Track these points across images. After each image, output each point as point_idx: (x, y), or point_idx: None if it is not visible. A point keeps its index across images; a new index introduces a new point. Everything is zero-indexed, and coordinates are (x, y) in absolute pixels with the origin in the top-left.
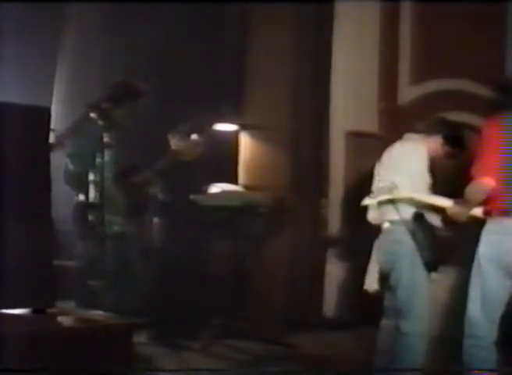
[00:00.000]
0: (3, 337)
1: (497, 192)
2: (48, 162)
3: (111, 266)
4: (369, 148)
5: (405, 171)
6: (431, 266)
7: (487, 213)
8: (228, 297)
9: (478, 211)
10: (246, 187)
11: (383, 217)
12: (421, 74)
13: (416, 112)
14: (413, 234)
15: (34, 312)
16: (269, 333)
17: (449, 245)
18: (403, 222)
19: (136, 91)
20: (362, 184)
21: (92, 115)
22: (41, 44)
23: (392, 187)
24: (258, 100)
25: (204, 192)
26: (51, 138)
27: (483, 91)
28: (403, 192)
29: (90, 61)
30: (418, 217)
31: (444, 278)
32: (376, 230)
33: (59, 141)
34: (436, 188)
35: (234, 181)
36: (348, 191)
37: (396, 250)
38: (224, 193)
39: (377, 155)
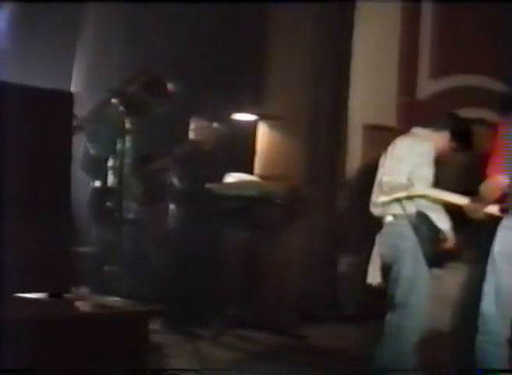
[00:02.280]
0: (21, 320)
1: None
2: (70, 146)
3: (127, 253)
4: (386, 141)
5: (407, 164)
6: (432, 262)
7: (502, 210)
8: (241, 287)
9: (493, 208)
10: (262, 177)
11: (386, 211)
12: (440, 69)
13: (434, 107)
14: (416, 229)
15: (51, 296)
16: (281, 324)
17: (454, 242)
18: (406, 216)
19: (165, 91)
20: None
21: (114, 100)
22: (62, 29)
23: (408, 185)
24: (277, 91)
25: (221, 181)
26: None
27: (502, 88)
28: (419, 189)
29: (111, 46)
30: (421, 213)
31: (458, 274)
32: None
33: (80, 126)
34: (445, 183)
35: (250, 171)
36: (364, 184)
37: (398, 244)
38: (240, 183)
39: None
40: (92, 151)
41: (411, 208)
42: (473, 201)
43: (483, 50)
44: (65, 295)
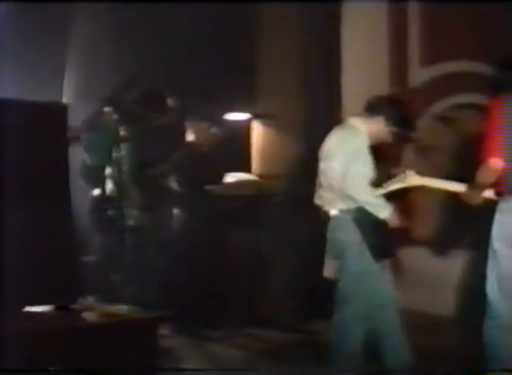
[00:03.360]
0: (28, 334)
1: (508, 172)
2: (66, 157)
3: (131, 260)
4: None
5: (340, 157)
6: (379, 254)
7: (499, 194)
8: (247, 286)
9: (489, 193)
10: (260, 175)
11: (330, 205)
12: (431, 57)
13: (427, 95)
14: (357, 222)
15: (57, 308)
16: (290, 321)
17: (397, 233)
18: (349, 211)
19: (164, 105)
20: (375, 171)
21: (107, 109)
22: (51, 41)
23: (404, 176)
24: (269, 89)
25: (220, 182)
26: (68, 134)
27: (492, 71)
28: (415, 180)
29: (101, 57)
30: (361, 208)
31: (461, 261)
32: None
33: (76, 136)
34: (386, 169)
35: (248, 170)
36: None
37: (342, 238)
38: (238, 182)
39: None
40: (89, 161)
41: (351, 203)
42: (470, 187)
43: (472, 35)
44: (72, 306)
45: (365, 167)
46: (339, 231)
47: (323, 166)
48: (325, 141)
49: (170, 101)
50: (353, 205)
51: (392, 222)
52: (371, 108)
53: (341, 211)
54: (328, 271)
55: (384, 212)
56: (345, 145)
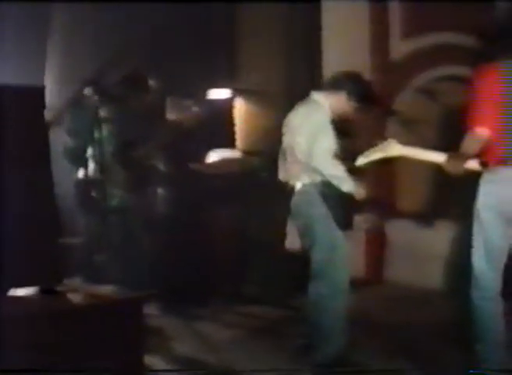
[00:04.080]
0: (13, 317)
1: (494, 141)
2: (46, 139)
3: (116, 240)
4: None
5: (304, 131)
6: (345, 225)
7: (484, 164)
8: (234, 263)
9: (473, 163)
10: (244, 151)
11: (296, 179)
12: (412, 29)
13: (408, 67)
14: (323, 195)
15: (42, 291)
16: (278, 296)
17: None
18: (314, 184)
19: (146, 86)
20: (358, 143)
21: (87, 91)
22: (32, 24)
23: (386, 145)
24: (251, 65)
25: (204, 160)
26: (48, 116)
27: (473, 42)
28: (395, 149)
29: (81, 39)
30: (326, 182)
31: (447, 232)
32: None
33: (56, 119)
34: (351, 142)
35: (232, 147)
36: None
37: (309, 212)
38: (223, 160)
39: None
40: (70, 143)
41: (316, 176)
42: (451, 157)
43: (452, 6)
44: (57, 288)
45: (329, 140)
46: (305, 205)
47: (288, 140)
48: (288, 115)
49: (151, 83)
50: (318, 179)
51: (358, 194)
52: (334, 83)
53: (306, 185)
54: (291, 243)
55: (347, 185)
56: (308, 120)
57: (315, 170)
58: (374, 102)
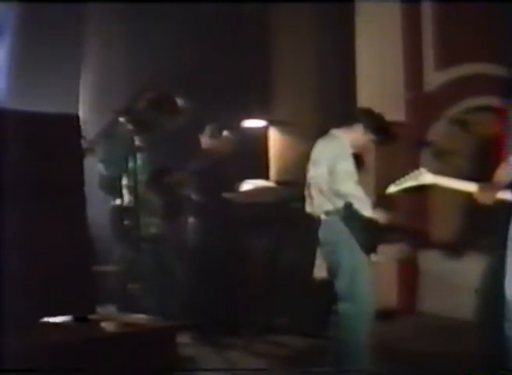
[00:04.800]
0: (49, 345)
1: None
2: (81, 169)
3: (150, 269)
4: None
5: (324, 160)
6: (368, 248)
7: None
8: (267, 293)
9: (505, 193)
10: (278, 182)
11: (320, 209)
12: (445, 60)
13: (442, 99)
14: (345, 221)
15: (76, 319)
16: (310, 326)
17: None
18: (336, 211)
19: (175, 106)
20: (390, 174)
21: (122, 119)
22: (66, 52)
23: (418, 174)
24: (285, 95)
25: (237, 190)
26: (83, 145)
27: (507, 73)
28: (428, 178)
29: (115, 67)
30: (348, 204)
31: (479, 263)
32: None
33: (91, 148)
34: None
35: (265, 177)
36: (377, 183)
37: (333, 238)
38: (256, 189)
39: (404, 144)
40: (105, 172)
41: (339, 202)
42: (482, 187)
43: (485, 37)
44: (90, 317)
45: (349, 164)
46: (329, 233)
47: (311, 173)
48: (311, 152)
49: (180, 102)
50: (341, 204)
51: (380, 218)
52: (350, 119)
53: (330, 213)
54: (319, 272)
55: (368, 208)
56: (327, 150)
57: (337, 194)
58: (389, 134)
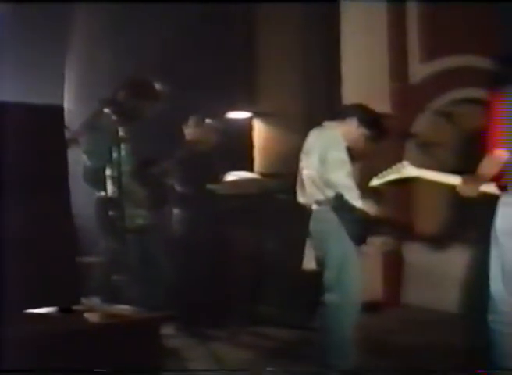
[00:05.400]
0: (33, 336)
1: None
2: (65, 159)
3: (135, 260)
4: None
5: (316, 149)
6: (358, 240)
7: (501, 187)
8: (252, 284)
9: (490, 186)
10: (262, 174)
11: (311, 199)
12: (430, 52)
13: (427, 90)
14: (336, 211)
15: (61, 310)
16: (295, 318)
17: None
18: (327, 201)
19: (154, 92)
20: (374, 167)
21: (106, 110)
22: (51, 43)
23: (400, 167)
24: (270, 87)
25: (221, 181)
26: (67, 136)
27: (492, 65)
28: (410, 171)
29: (100, 58)
30: (339, 195)
31: (463, 255)
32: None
33: (75, 139)
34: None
35: (250, 169)
36: (362, 175)
37: (323, 228)
38: (241, 181)
39: (390, 136)
40: (89, 163)
41: (330, 192)
42: (466, 179)
43: (471, 29)
44: (75, 308)
45: (341, 153)
46: (319, 223)
47: (303, 163)
48: (303, 143)
49: (158, 87)
50: (331, 194)
51: (370, 210)
52: (344, 113)
53: (321, 202)
54: (308, 263)
55: (358, 199)
56: (320, 139)
57: (328, 183)
58: (382, 129)
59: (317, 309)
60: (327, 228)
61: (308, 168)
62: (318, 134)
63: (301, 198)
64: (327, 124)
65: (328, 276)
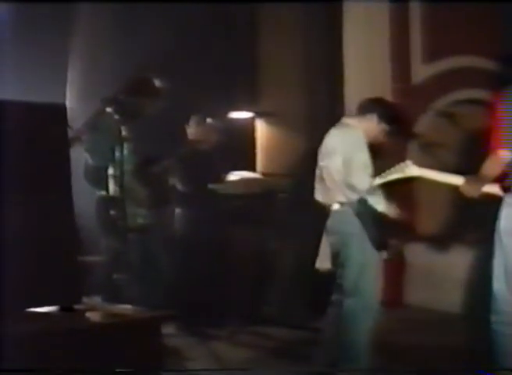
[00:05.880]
0: (34, 335)
1: None
2: (67, 158)
3: (136, 259)
4: None
5: (341, 151)
6: (379, 245)
7: (504, 187)
8: (252, 284)
9: (493, 187)
10: (263, 173)
11: (332, 199)
12: (433, 53)
13: (430, 91)
14: (358, 215)
15: (62, 309)
16: (295, 318)
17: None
18: (349, 203)
19: (154, 88)
20: (378, 167)
21: (108, 109)
22: (53, 42)
23: (404, 166)
24: (273, 87)
25: (223, 180)
26: (69, 135)
27: (495, 66)
28: (413, 170)
29: (102, 57)
30: (362, 199)
31: (466, 256)
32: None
33: (77, 137)
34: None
35: (252, 168)
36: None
37: (344, 230)
38: (242, 180)
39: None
40: (91, 162)
41: (353, 194)
42: (468, 180)
43: (473, 30)
44: (76, 307)
45: (366, 158)
46: (340, 224)
47: (324, 162)
48: (324, 140)
49: (159, 84)
50: (354, 197)
51: (392, 214)
52: (364, 108)
53: (342, 204)
54: (323, 262)
55: (382, 203)
56: (344, 140)
57: (352, 188)
58: (402, 124)
59: (317, 310)
60: (348, 230)
61: (329, 168)
62: (341, 134)
63: (320, 196)
64: (347, 121)
65: (347, 279)
